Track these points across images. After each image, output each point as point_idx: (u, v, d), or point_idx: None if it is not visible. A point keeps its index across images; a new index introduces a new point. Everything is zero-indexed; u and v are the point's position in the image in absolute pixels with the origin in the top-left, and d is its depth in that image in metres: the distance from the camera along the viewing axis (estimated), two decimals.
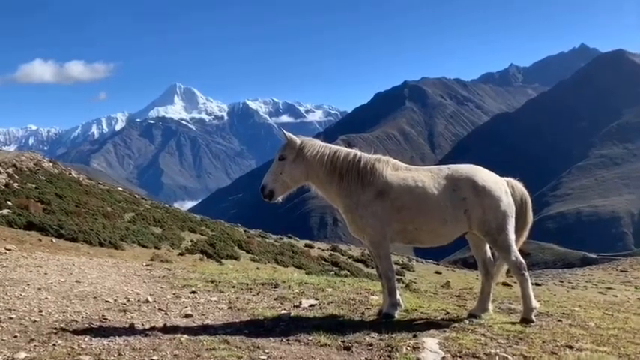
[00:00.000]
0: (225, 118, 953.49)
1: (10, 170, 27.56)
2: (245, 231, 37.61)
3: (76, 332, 4.93)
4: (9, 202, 19.24)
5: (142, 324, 5.44)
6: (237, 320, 5.73)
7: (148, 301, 6.64)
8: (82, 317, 5.61)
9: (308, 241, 39.66)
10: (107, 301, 6.50)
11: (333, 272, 22.24)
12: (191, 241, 23.41)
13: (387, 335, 5.07)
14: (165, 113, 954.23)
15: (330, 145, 6.14)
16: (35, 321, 5.32)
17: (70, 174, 37.06)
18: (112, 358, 4.22)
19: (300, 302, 6.69)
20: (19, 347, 4.31)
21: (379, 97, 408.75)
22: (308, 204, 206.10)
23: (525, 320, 5.80)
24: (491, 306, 6.21)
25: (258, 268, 18.29)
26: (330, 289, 7.64)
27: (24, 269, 8.74)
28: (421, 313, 6.20)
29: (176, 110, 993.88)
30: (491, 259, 6.20)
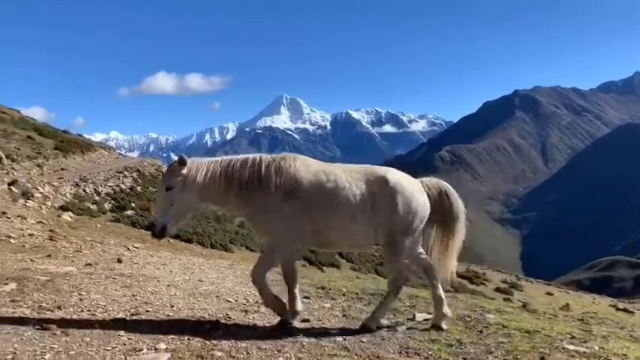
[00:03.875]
0: (328, 127, 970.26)
1: (135, 175, 30.07)
2: None
3: (205, 329, 5.25)
4: (133, 204, 20.98)
5: (264, 325, 5.67)
6: (352, 328, 5.79)
7: None
8: (209, 314, 5.96)
9: None
10: (228, 301, 6.85)
11: None
12: None
13: (511, 355, 4.86)
14: (272, 123, 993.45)
15: (221, 158, 5.75)
16: (169, 315, 5.75)
17: None
18: (242, 356, 4.43)
19: (414, 316, 6.61)
20: (159, 339, 4.67)
21: (488, 106, 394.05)
22: None
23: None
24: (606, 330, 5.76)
25: (358, 278, 18.31)
26: None
27: (152, 267, 9.47)
28: (544, 335, 5.88)
29: (282, 120, 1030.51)
30: (431, 263, 6.06)
